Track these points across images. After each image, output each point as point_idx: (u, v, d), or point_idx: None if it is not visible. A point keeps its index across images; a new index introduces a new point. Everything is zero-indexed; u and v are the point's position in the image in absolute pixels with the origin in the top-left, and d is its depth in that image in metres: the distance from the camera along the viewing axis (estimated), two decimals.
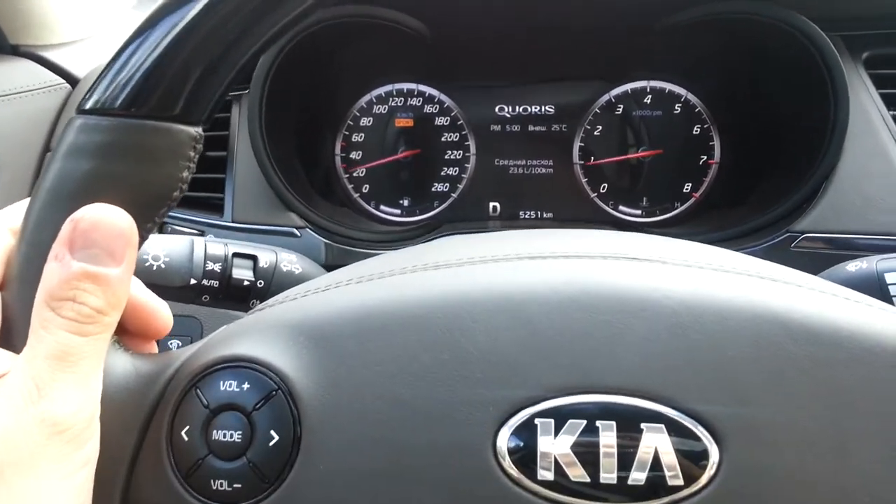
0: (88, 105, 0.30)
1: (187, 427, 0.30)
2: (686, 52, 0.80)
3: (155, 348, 0.37)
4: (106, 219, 0.28)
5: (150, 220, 0.31)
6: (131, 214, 0.29)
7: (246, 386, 0.30)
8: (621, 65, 0.83)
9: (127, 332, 0.35)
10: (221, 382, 0.30)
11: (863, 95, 0.68)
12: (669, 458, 0.27)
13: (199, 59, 0.30)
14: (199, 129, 0.31)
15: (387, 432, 0.29)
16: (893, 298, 0.46)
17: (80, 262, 0.28)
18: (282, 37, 0.31)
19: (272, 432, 0.29)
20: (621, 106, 0.84)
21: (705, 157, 0.84)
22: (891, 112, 0.67)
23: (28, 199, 0.31)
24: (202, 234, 0.72)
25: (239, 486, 0.29)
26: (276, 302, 0.34)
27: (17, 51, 0.79)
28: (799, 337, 0.29)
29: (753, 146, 0.79)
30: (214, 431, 0.29)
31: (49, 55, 0.79)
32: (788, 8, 0.67)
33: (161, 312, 0.36)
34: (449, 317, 0.30)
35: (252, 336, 0.31)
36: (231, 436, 0.29)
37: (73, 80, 0.79)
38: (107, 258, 0.28)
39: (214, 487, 0.29)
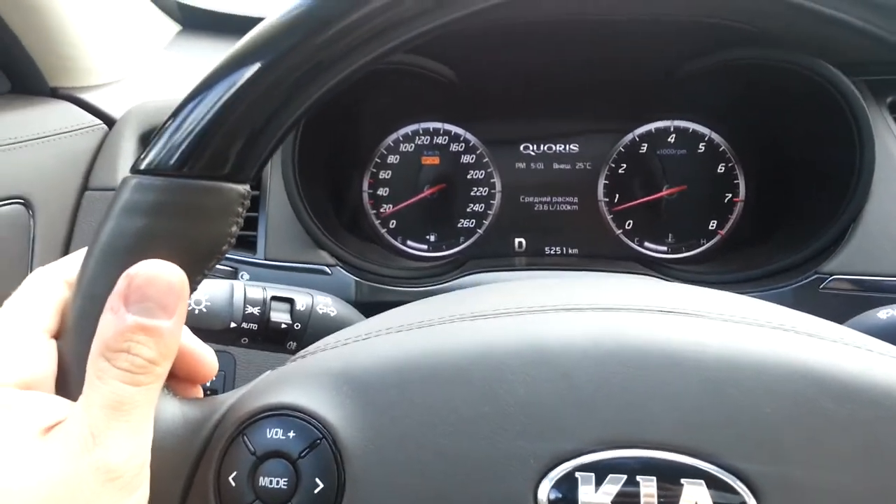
0: (143, 165, 0.31)
1: (234, 473, 0.31)
2: (708, 96, 0.81)
3: (200, 392, 0.38)
4: (159, 274, 0.29)
5: (199, 273, 0.32)
6: (183, 269, 0.30)
7: (292, 434, 0.31)
8: (644, 106, 0.84)
9: (174, 378, 0.36)
10: (268, 430, 0.31)
11: (888, 139, 0.68)
12: None
13: (247, 123, 0.31)
14: (247, 187, 0.32)
15: (429, 483, 0.29)
16: None
17: (135, 316, 0.29)
18: (326, 99, 0.33)
19: (317, 480, 0.30)
20: (645, 145, 0.85)
21: (730, 196, 0.84)
22: None
23: (82, 251, 0.32)
24: (236, 270, 0.73)
25: None
26: (317, 349, 0.35)
27: (55, 93, 0.81)
28: (836, 395, 0.29)
29: (779, 185, 0.80)
30: (261, 478, 0.30)
31: (86, 97, 0.82)
32: (810, 54, 0.68)
33: (207, 358, 0.37)
34: (488, 369, 0.31)
35: (296, 384, 0.32)
36: (277, 482, 0.30)
37: (109, 121, 0.81)
38: (160, 311, 0.29)
39: None
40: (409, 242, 0.89)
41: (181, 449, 0.31)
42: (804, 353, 0.30)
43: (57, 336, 0.32)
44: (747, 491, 0.28)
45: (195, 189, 0.31)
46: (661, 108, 0.84)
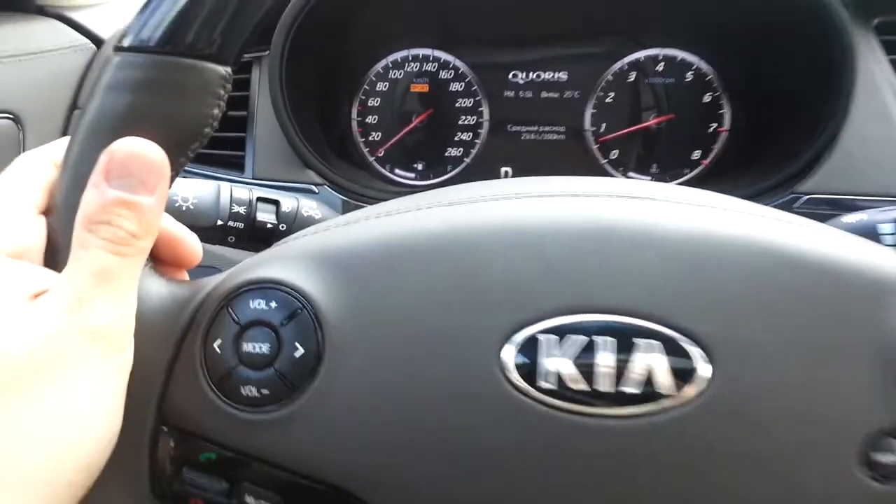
0: (126, 42, 0.32)
1: (219, 340, 0.32)
2: (697, 20, 0.81)
3: (187, 277, 0.39)
4: (140, 151, 0.30)
5: (182, 155, 0.33)
6: (165, 148, 0.31)
7: (274, 304, 0.32)
8: (633, 33, 0.84)
9: (161, 261, 0.37)
10: (251, 301, 0.32)
11: (871, 61, 0.69)
12: (663, 370, 0.29)
13: (227, 3, 0.32)
14: (229, 69, 0.33)
15: (401, 350, 0.31)
16: (887, 248, 0.48)
17: (116, 190, 0.30)
18: None
19: (297, 345, 0.32)
20: (633, 73, 0.86)
21: (715, 125, 0.85)
22: None
23: (69, 136, 0.33)
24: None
25: (267, 392, 0.31)
26: (301, 235, 0.36)
27: (42, 11, 0.80)
28: (786, 265, 0.31)
29: (763, 112, 0.81)
30: (244, 344, 0.32)
31: (74, 15, 0.81)
32: None
33: (191, 243, 0.38)
34: (458, 246, 0.32)
35: (279, 262, 0.34)
36: (260, 348, 0.32)
37: (97, 41, 0.81)
38: (140, 187, 0.30)
39: (244, 393, 0.32)
40: (397, 170, 0.90)
41: (169, 321, 0.33)
42: (759, 230, 0.32)
43: (45, 213, 0.33)
44: (700, 350, 0.30)
45: (177, 66, 0.32)
46: (650, 36, 0.84)
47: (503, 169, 0.90)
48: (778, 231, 0.32)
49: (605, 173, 0.88)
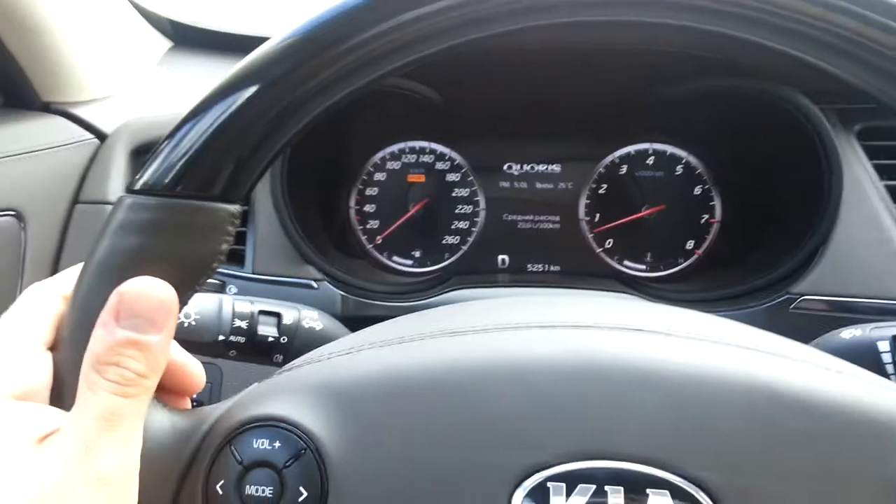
0: (138, 185, 0.32)
1: (222, 482, 0.32)
2: (685, 121, 0.84)
3: (188, 404, 0.39)
4: (149, 291, 0.31)
5: (190, 289, 0.33)
6: (173, 285, 0.31)
7: (277, 444, 0.32)
8: (623, 130, 0.87)
9: (163, 389, 0.37)
10: (254, 440, 0.32)
11: (856, 166, 0.71)
12: None
13: (238, 146, 0.32)
14: (238, 207, 0.34)
15: (408, 493, 0.31)
16: (886, 366, 0.49)
17: (125, 331, 0.30)
18: (315, 123, 0.34)
19: (301, 489, 0.31)
20: (625, 166, 0.88)
21: (707, 216, 0.87)
22: (883, 181, 0.71)
23: (77, 267, 0.33)
24: (224, 284, 0.75)
25: None
26: (303, 363, 0.36)
27: (48, 108, 0.82)
28: (791, 409, 0.31)
29: (754, 207, 0.83)
30: (248, 486, 0.31)
31: (78, 111, 0.83)
32: (783, 83, 0.71)
33: (195, 371, 0.38)
34: (465, 383, 0.32)
35: (282, 396, 0.34)
36: (263, 491, 0.31)
37: (101, 136, 0.82)
38: (149, 327, 0.31)
39: None
40: (395, 258, 0.91)
41: (171, 458, 0.33)
42: (762, 370, 0.32)
43: (53, 348, 0.33)
44: (708, 500, 0.30)
45: (187, 209, 0.32)
46: (640, 132, 0.87)
47: (500, 256, 0.91)
48: (786, 371, 0.32)
49: (601, 262, 0.89)
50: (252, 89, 0.32)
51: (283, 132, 0.33)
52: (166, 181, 0.32)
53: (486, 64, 0.77)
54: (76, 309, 0.32)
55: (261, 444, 0.32)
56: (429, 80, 0.79)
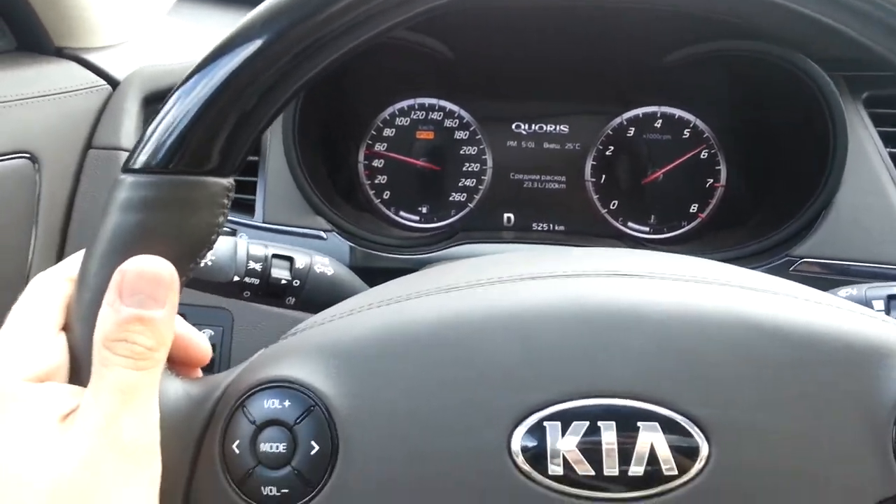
0: (133, 164, 0.33)
1: (237, 441, 0.33)
2: (694, 84, 0.85)
3: (200, 374, 0.41)
4: (149, 269, 0.32)
5: (191, 262, 0.34)
6: (173, 261, 0.33)
7: (287, 403, 0.33)
8: (633, 92, 0.87)
9: (174, 361, 0.38)
10: (265, 401, 0.34)
11: (861, 132, 0.72)
12: (664, 451, 0.31)
13: (227, 120, 0.33)
14: (231, 180, 0.35)
15: (413, 440, 0.33)
16: None
17: (130, 308, 0.32)
18: (304, 90, 0.35)
19: (313, 443, 0.33)
20: (633, 129, 0.89)
21: (711, 181, 0.88)
22: (888, 149, 0.72)
23: (80, 253, 0.35)
24: (234, 232, 0.76)
25: (286, 490, 0.33)
26: (307, 326, 0.38)
27: (60, 53, 0.82)
28: (776, 341, 0.32)
29: (758, 172, 0.84)
30: (262, 444, 0.33)
31: (90, 57, 0.83)
32: (793, 48, 0.72)
33: (200, 343, 0.40)
34: (462, 336, 0.34)
35: (289, 358, 0.35)
36: (277, 447, 0.33)
37: (113, 82, 0.83)
38: (152, 302, 0.32)
39: (265, 493, 0.33)
40: (402, 213, 0.92)
41: (187, 424, 0.34)
42: (747, 305, 0.34)
43: (65, 329, 0.34)
44: (698, 431, 0.31)
45: (181, 184, 0.33)
46: (649, 95, 0.87)
47: (506, 215, 0.92)
48: (769, 304, 0.34)
49: (606, 223, 0.90)
50: (236, 61, 0.32)
51: (272, 103, 0.34)
52: (159, 158, 0.33)
53: (497, 21, 0.77)
54: (83, 288, 0.33)
55: (271, 403, 0.34)
56: (440, 34, 0.79)
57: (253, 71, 0.33)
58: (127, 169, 0.34)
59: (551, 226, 0.91)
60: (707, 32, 0.76)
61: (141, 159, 0.33)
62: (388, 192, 0.92)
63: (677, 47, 0.78)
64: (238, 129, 0.33)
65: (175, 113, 0.33)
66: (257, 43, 0.32)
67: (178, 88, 0.33)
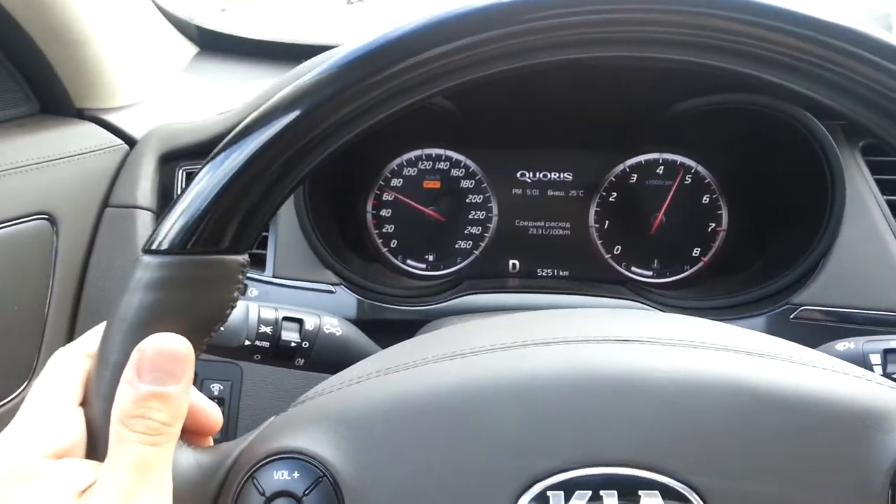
0: (152, 245, 0.35)
1: None
2: (694, 133, 0.86)
3: (211, 442, 0.42)
4: (166, 346, 0.34)
5: (206, 336, 0.36)
6: (189, 336, 0.34)
7: (296, 474, 0.34)
8: (634, 140, 0.89)
9: (186, 431, 0.39)
10: (275, 472, 0.34)
11: (859, 180, 0.73)
12: None
13: (239, 206, 0.35)
14: (246, 256, 0.36)
15: None
16: None
17: (147, 385, 0.33)
18: (316, 171, 0.36)
19: None
20: (635, 175, 0.90)
21: (714, 225, 0.89)
22: (885, 196, 0.73)
23: (100, 327, 0.36)
24: (245, 287, 0.78)
25: None
26: (315, 394, 0.39)
27: (81, 114, 0.85)
28: (771, 407, 0.33)
29: (759, 218, 0.85)
30: None
31: (109, 117, 0.86)
32: (789, 101, 0.73)
33: (212, 412, 0.41)
34: (465, 404, 0.35)
35: (298, 428, 0.36)
36: None
37: (130, 141, 0.86)
38: (168, 379, 0.33)
39: None
40: (409, 261, 0.94)
41: (198, 494, 0.35)
42: (744, 371, 0.35)
43: (83, 404, 0.35)
44: (697, 498, 0.32)
45: (198, 264, 0.35)
46: (651, 142, 0.89)
47: (511, 261, 0.94)
48: (766, 370, 0.35)
49: (609, 267, 0.92)
50: (249, 150, 0.34)
51: (282, 186, 0.36)
52: (178, 240, 0.35)
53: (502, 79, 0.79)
54: (103, 365, 0.35)
55: (281, 475, 0.34)
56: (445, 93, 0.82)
57: (268, 157, 0.34)
58: (147, 250, 0.35)
59: (556, 271, 0.93)
60: (706, 86, 0.78)
61: (160, 241, 0.35)
62: (395, 241, 0.94)
63: (677, 100, 0.80)
64: (252, 213, 0.35)
65: (192, 199, 0.35)
66: (269, 133, 0.34)
67: (198, 173, 0.35)
